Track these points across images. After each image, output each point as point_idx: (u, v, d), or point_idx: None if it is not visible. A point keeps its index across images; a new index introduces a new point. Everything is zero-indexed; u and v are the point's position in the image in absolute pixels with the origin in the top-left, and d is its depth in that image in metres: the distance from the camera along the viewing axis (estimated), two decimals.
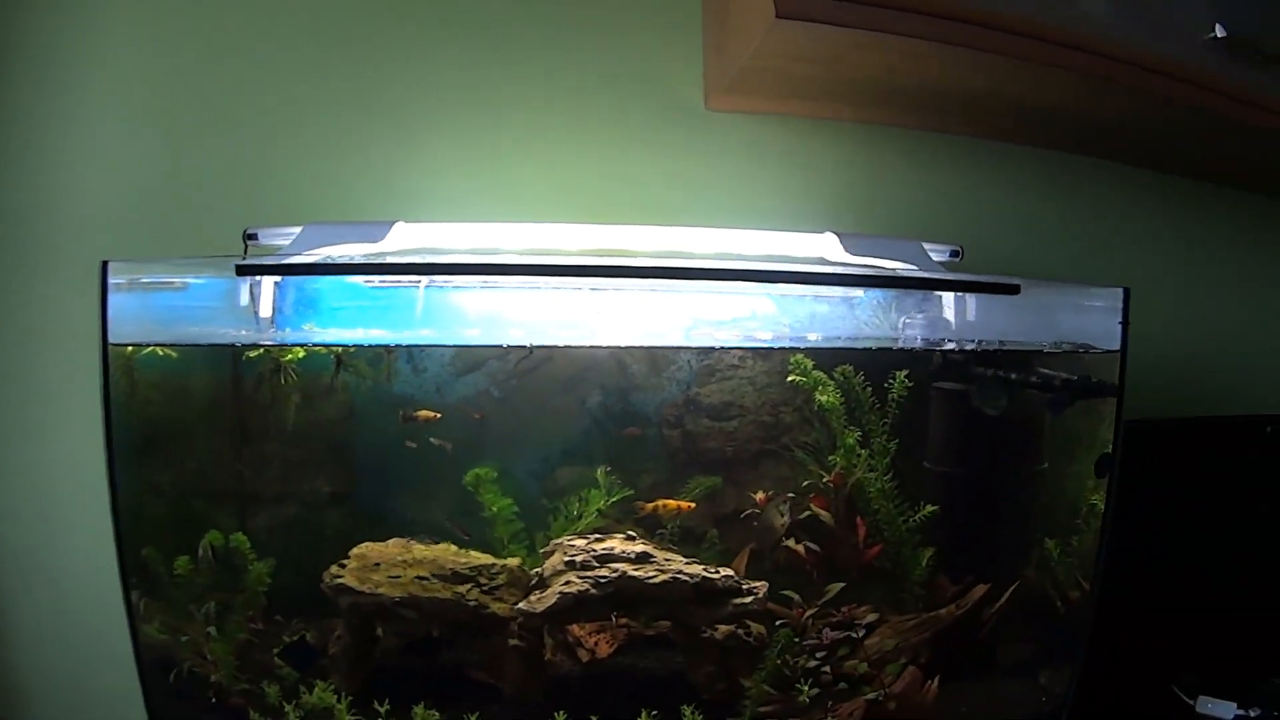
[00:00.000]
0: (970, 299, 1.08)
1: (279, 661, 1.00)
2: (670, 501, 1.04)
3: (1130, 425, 1.36)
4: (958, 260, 1.13)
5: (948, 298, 1.08)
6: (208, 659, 0.99)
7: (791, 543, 1.05)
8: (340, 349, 1.00)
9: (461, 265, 0.97)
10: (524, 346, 0.98)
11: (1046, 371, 1.07)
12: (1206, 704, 1.36)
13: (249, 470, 1.04)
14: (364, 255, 1.02)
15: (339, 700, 0.96)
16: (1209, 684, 1.39)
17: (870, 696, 0.98)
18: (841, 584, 1.04)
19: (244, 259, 1.00)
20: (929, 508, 1.05)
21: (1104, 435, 1.10)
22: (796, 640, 1.00)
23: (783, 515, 1.06)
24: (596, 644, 1.05)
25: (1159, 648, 1.43)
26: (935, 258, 1.11)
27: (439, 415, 1.01)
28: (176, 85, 1.16)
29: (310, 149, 1.17)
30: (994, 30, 1.07)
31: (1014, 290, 0.97)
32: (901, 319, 1.08)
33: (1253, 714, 1.35)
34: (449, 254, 1.06)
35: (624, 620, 1.06)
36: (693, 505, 1.04)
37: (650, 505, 1.04)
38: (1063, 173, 1.51)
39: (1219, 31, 1.25)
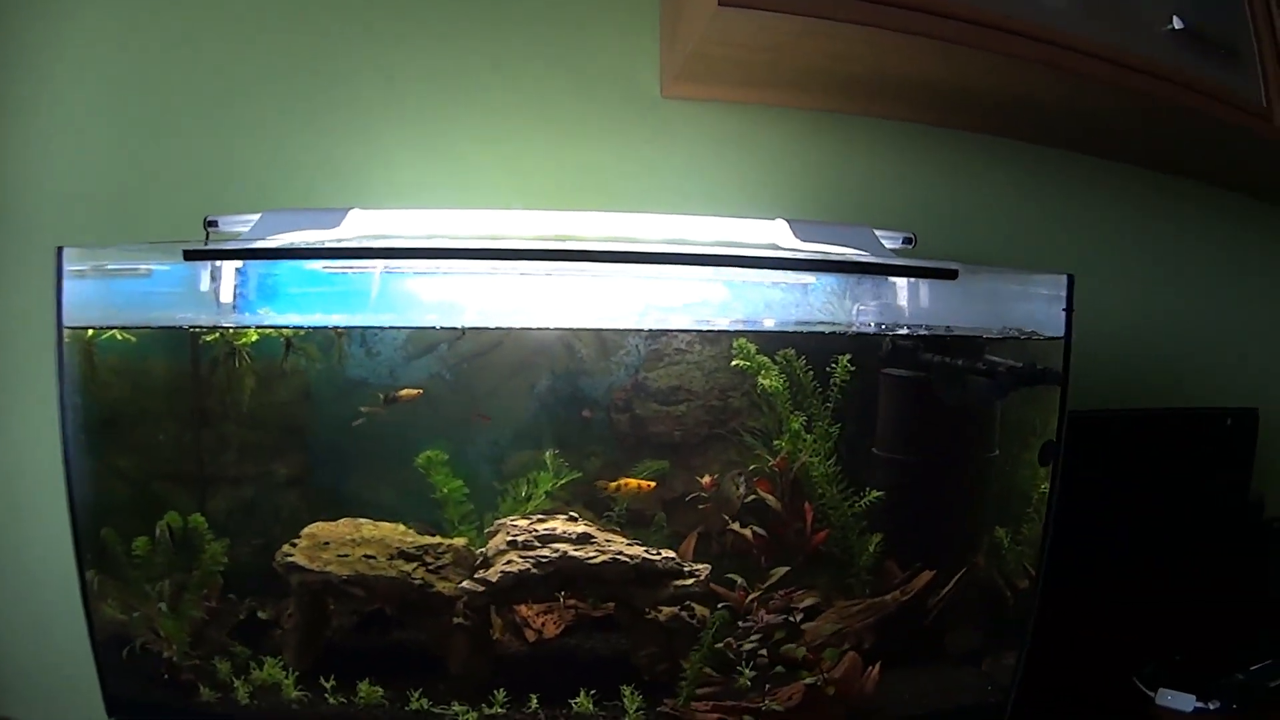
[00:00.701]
0: (923, 287, 1.09)
1: (230, 640, 1.02)
2: (631, 481, 1.06)
3: (1092, 416, 1.37)
4: (911, 247, 1.13)
5: (901, 285, 1.09)
6: (161, 636, 1.01)
7: (737, 526, 1.06)
8: (290, 332, 1.01)
9: (401, 249, 0.98)
10: (456, 328, 0.99)
11: (993, 359, 1.07)
12: (1166, 696, 1.37)
13: (206, 452, 1.06)
14: (318, 241, 1.03)
15: (287, 676, 0.98)
16: (1171, 676, 1.39)
17: (809, 681, 0.98)
18: (786, 568, 1.05)
19: (204, 245, 1.02)
20: (874, 493, 1.06)
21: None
22: (739, 623, 1.01)
23: (738, 488, 1.07)
24: (544, 625, 1.06)
25: (1122, 639, 1.43)
26: (888, 244, 1.12)
27: (420, 391, 1.03)
28: (138, 75, 1.18)
29: (271, 138, 1.19)
30: (936, 17, 1.07)
31: (952, 275, 0.98)
32: (855, 306, 1.09)
33: (1212, 707, 1.35)
34: (400, 239, 1.07)
35: (572, 602, 1.07)
36: (653, 484, 1.06)
37: (613, 484, 1.05)
38: (1022, 161, 1.52)
39: (1176, 24, 1.26)
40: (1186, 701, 1.36)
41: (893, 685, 1.04)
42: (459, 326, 0.99)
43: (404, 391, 1.03)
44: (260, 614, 1.03)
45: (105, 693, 1.01)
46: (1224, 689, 1.36)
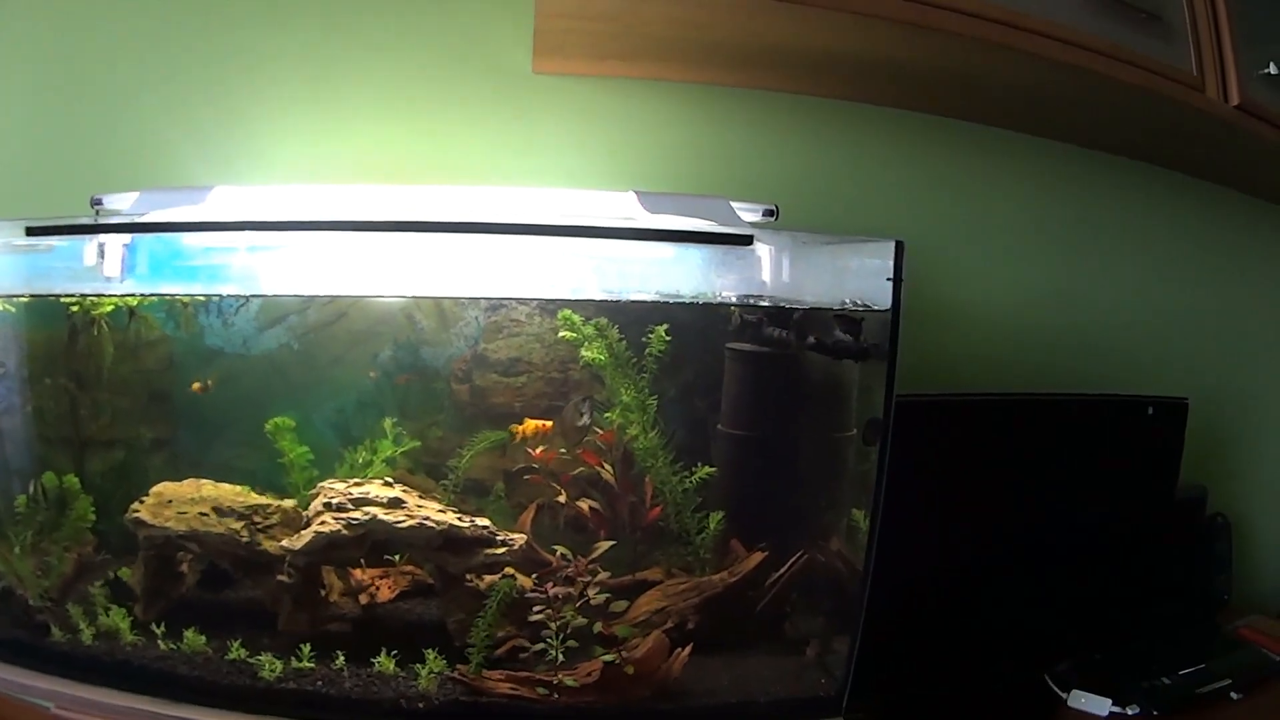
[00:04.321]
0: (785, 259, 1.07)
1: (90, 589, 1.08)
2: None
3: (1001, 400, 1.31)
4: (773, 219, 1.10)
5: (764, 258, 1.07)
6: (20, 580, 1.08)
7: (563, 498, 1.06)
8: (136, 300, 1.07)
9: (228, 223, 1.02)
10: (240, 296, 1.03)
11: (839, 335, 1.04)
12: (1080, 698, 1.29)
13: (78, 416, 1.12)
14: (168, 218, 1.08)
15: (124, 622, 1.03)
16: (1086, 677, 1.32)
17: (606, 658, 0.97)
18: (611, 542, 1.04)
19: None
20: (705, 469, 1.04)
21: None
22: (536, 594, 1.00)
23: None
24: (378, 588, 1.09)
25: (1041, 636, 1.36)
26: (747, 217, 1.08)
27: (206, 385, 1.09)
28: (30, 58, 1.25)
29: (154, 121, 1.25)
30: None
31: (747, 241, 0.96)
32: (718, 280, 1.07)
33: (1130, 712, 1.27)
34: (259, 215, 1.11)
35: (409, 567, 1.10)
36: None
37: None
38: (903, 130, 1.46)
39: None
40: (1101, 705, 1.28)
41: (711, 670, 1.01)
42: (245, 295, 1.03)
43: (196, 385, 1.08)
44: (112, 568, 1.08)
45: None
46: (1144, 693, 1.28)
